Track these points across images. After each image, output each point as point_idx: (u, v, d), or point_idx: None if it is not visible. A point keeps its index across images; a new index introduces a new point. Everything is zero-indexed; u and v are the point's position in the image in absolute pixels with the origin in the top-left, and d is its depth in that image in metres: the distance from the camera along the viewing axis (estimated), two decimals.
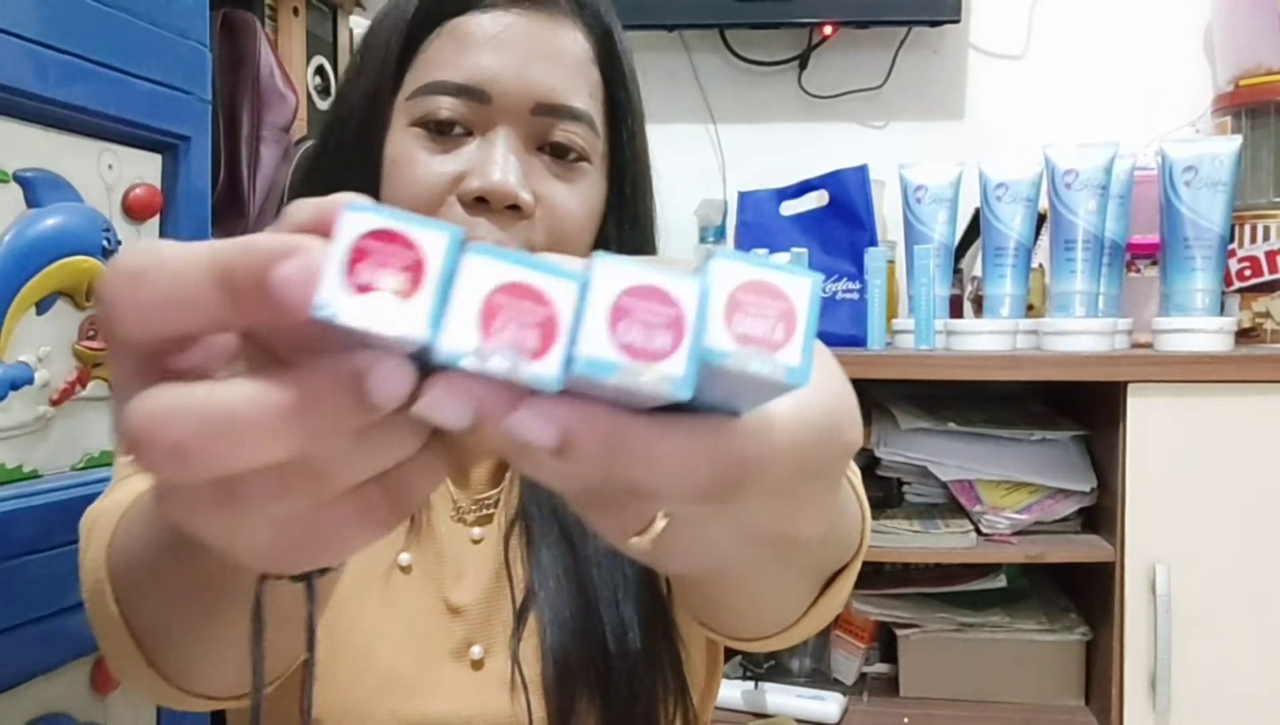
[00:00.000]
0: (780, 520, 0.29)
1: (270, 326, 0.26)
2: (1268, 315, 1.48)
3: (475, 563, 0.67)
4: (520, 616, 0.65)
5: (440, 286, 0.24)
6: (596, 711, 0.63)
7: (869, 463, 1.44)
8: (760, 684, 1.44)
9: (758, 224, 1.67)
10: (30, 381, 0.80)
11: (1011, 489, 1.40)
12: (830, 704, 1.39)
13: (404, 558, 0.66)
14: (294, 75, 1.37)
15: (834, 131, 1.84)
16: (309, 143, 1.36)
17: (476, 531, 0.68)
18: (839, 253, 1.58)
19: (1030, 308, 1.51)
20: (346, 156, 0.65)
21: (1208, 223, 1.34)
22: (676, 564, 0.31)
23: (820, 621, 0.55)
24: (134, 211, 0.90)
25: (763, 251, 1.54)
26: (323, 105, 1.47)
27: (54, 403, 0.83)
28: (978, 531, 1.37)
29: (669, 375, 0.23)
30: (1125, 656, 1.28)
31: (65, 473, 0.85)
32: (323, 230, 0.25)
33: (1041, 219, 1.47)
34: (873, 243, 1.56)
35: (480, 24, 0.63)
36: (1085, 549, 1.34)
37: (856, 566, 0.54)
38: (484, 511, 0.68)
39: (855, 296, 1.54)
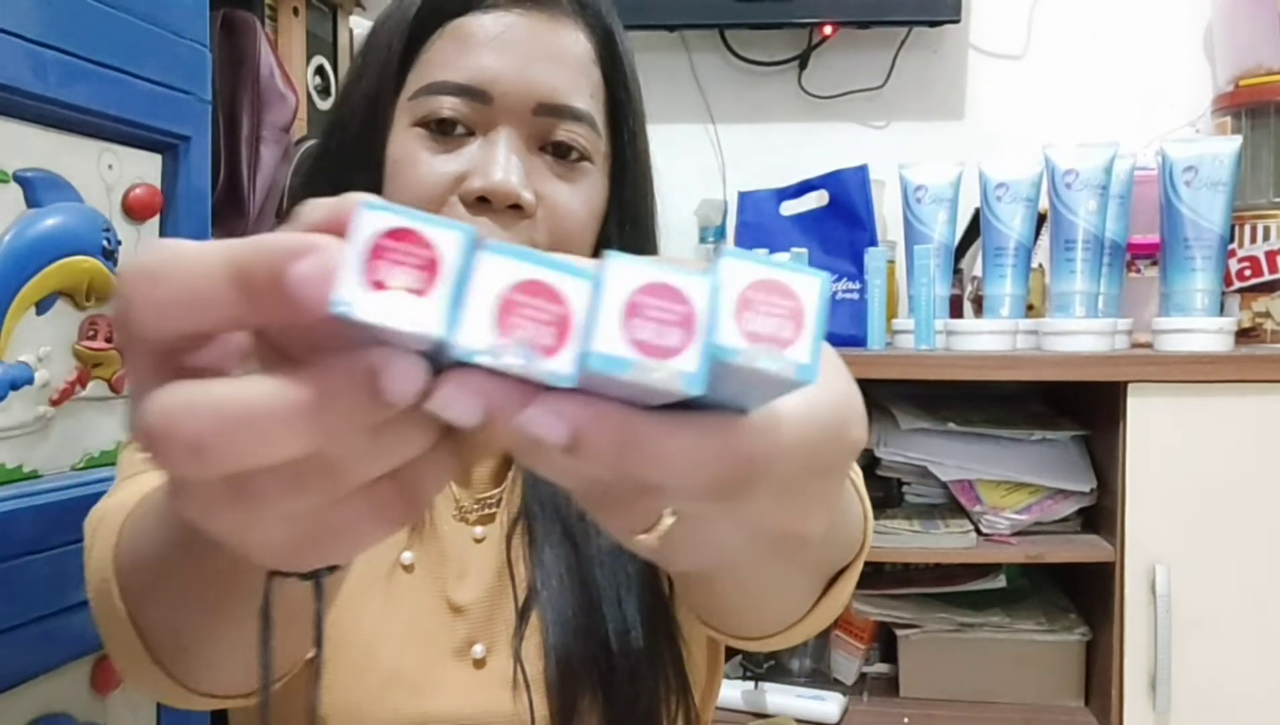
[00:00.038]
0: (787, 517, 0.30)
1: (285, 324, 0.26)
2: (1268, 315, 1.48)
3: (477, 562, 0.67)
4: (523, 615, 0.65)
5: (455, 284, 0.24)
6: (599, 710, 0.63)
7: (869, 463, 1.44)
8: (760, 684, 1.44)
9: (758, 224, 1.68)
10: (30, 381, 0.80)
11: (1011, 489, 1.40)
12: (830, 704, 1.39)
13: (406, 557, 0.66)
14: (294, 75, 1.37)
15: (834, 131, 1.84)
16: (309, 143, 1.36)
17: (479, 530, 0.68)
18: (839, 253, 1.58)
19: (1030, 308, 1.51)
20: (349, 157, 0.65)
21: (1208, 223, 1.34)
22: (684, 561, 0.31)
23: (822, 621, 0.55)
24: (134, 211, 0.90)
25: (763, 251, 1.54)
26: (323, 105, 1.47)
27: (54, 403, 0.83)
28: (978, 531, 1.37)
29: (681, 371, 0.24)
30: (1125, 657, 1.28)
31: (65, 473, 0.85)
32: (336, 229, 0.25)
33: (1041, 219, 1.47)
34: (873, 243, 1.56)
35: (482, 24, 0.63)
36: (1085, 549, 1.34)
37: (859, 566, 0.54)
38: (486, 510, 0.69)
39: (855, 296, 1.54)
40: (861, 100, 1.83)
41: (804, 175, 1.66)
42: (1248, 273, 1.49)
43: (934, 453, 1.42)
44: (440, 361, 0.25)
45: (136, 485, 0.54)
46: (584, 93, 0.65)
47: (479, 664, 0.65)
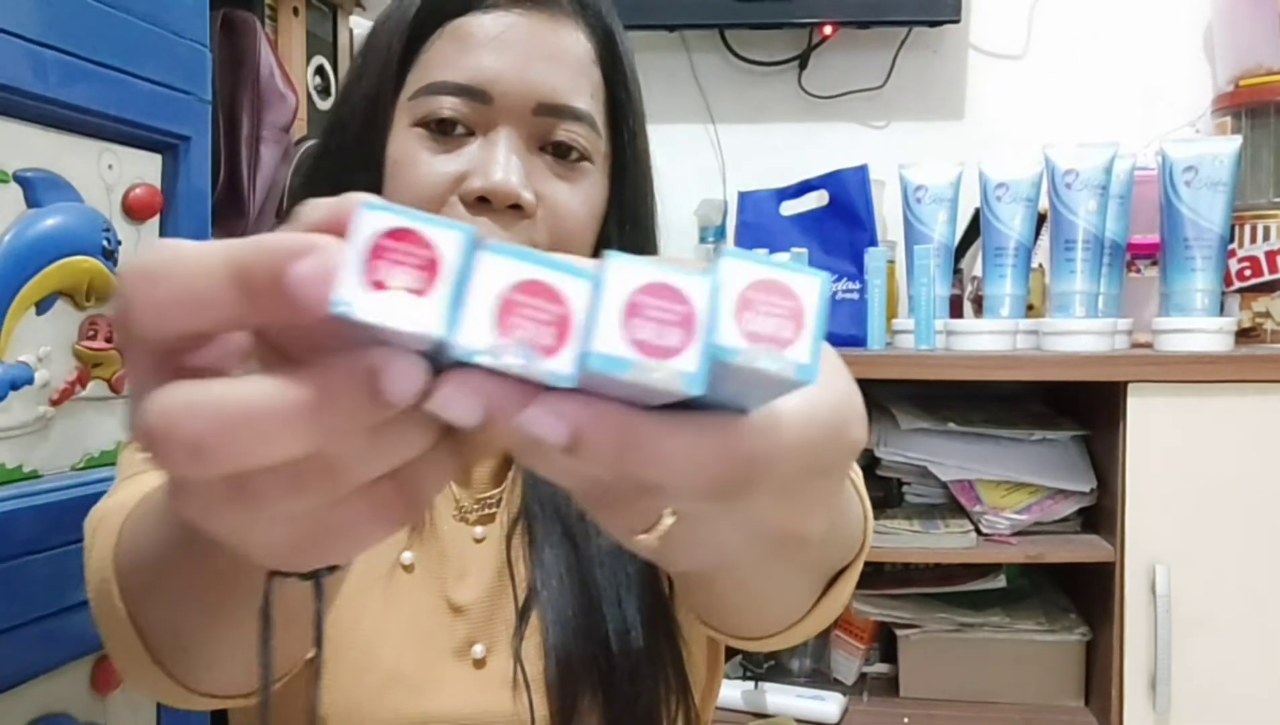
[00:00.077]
0: (787, 517, 0.30)
1: (285, 324, 0.26)
2: (1268, 315, 1.48)
3: (477, 562, 0.67)
4: (523, 615, 0.65)
5: (455, 284, 0.24)
6: (599, 710, 0.63)
7: (869, 463, 1.45)
8: (760, 684, 1.44)
9: (758, 224, 1.68)
10: (30, 381, 0.80)
11: (1011, 489, 1.40)
12: (830, 704, 1.39)
13: (406, 557, 0.66)
14: (294, 75, 1.37)
15: (834, 131, 1.84)
16: (309, 143, 1.36)
17: (479, 530, 0.68)
18: (839, 253, 1.58)
19: (1030, 308, 1.51)
20: (349, 157, 0.66)
21: (1208, 223, 1.34)
22: (684, 561, 0.31)
23: (823, 621, 0.55)
24: (134, 211, 0.90)
25: (763, 251, 1.54)
26: (323, 105, 1.47)
27: (54, 403, 0.83)
28: (978, 531, 1.37)
29: (681, 371, 0.24)
30: (1125, 657, 1.28)
31: (65, 473, 0.85)
32: (337, 229, 0.25)
33: (1041, 219, 1.47)
34: (873, 243, 1.56)
35: (482, 24, 0.63)
36: (1085, 549, 1.34)
37: (859, 566, 0.54)
38: (486, 511, 0.69)
39: (855, 296, 1.54)
40: (861, 100, 1.83)
41: (804, 175, 1.66)
42: (1248, 273, 1.49)
43: (934, 453, 1.42)
44: (440, 361, 0.25)
45: (136, 485, 0.54)
46: (584, 93, 0.65)
47: (479, 664, 0.65)
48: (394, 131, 0.64)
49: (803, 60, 1.83)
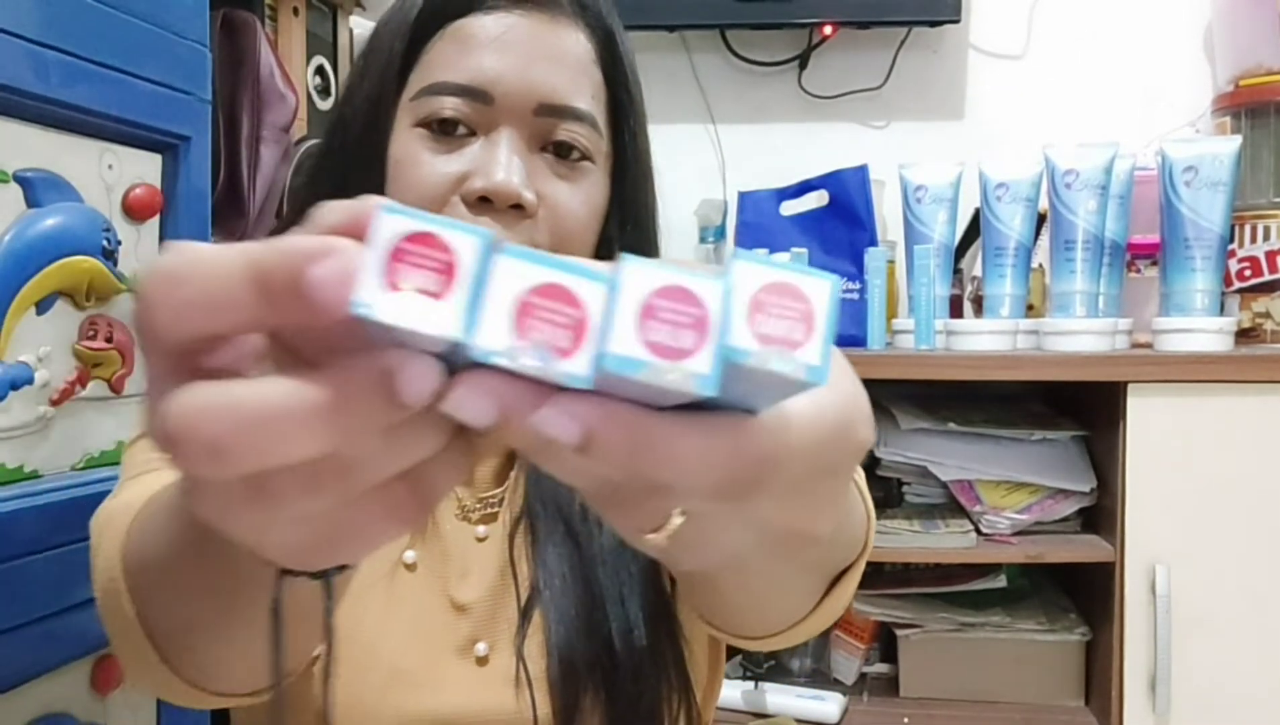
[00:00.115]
0: (795, 517, 0.30)
1: (302, 326, 0.26)
2: (1268, 315, 1.48)
3: (480, 560, 0.67)
4: (525, 614, 0.65)
5: (473, 287, 0.25)
6: (601, 709, 0.63)
7: (869, 463, 1.45)
8: (760, 684, 1.44)
9: (758, 224, 1.68)
10: (30, 381, 0.80)
11: (1011, 489, 1.40)
12: (830, 704, 1.39)
13: (409, 555, 0.66)
14: (294, 75, 1.36)
15: (834, 131, 1.84)
16: (309, 143, 1.36)
17: (481, 529, 0.68)
18: (839, 253, 1.58)
19: (1030, 308, 1.51)
20: (351, 157, 0.66)
21: (1208, 223, 1.34)
22: (692, 560, 0.31)
23: (825, 620, 0.55)
24: (134, 211, 0.90)
25: (763, 251, 1.54)
26: (323, 105, 1.47)
27: (54, 403, 0.83)
28: (978, 531, 1.37)
29: (694, 373, 0.24)
30: (1125, 657, 1.28)
31: (65, 473, 0.85)
32: (353, 232, 0.26)
33: (1041, 219, 1.47)
34: (873, 243, 1.56)
35: (483, 25, 0.64)
36: (1085, 549, 1.34)
37: (861, 566, 0.54)
38: (488, 510, 0.69)
39: (855, 296, 1.54)
40: (861, 100, 1.83)
41: (804, 175, 1.66)
42: (1248, 273, 1.49)
43: (934, 453, 1.42)
44: (453, 362, 0.26)
45: (142, 485, 0.54)
46: (585, 93, 0.65)
47: (482, 662, 0.65)
48: (396, 132, 0.64)
49: (803, 60, 1.83)
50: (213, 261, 0.26)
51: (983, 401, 1.51)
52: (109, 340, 0.87)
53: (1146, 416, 1.27)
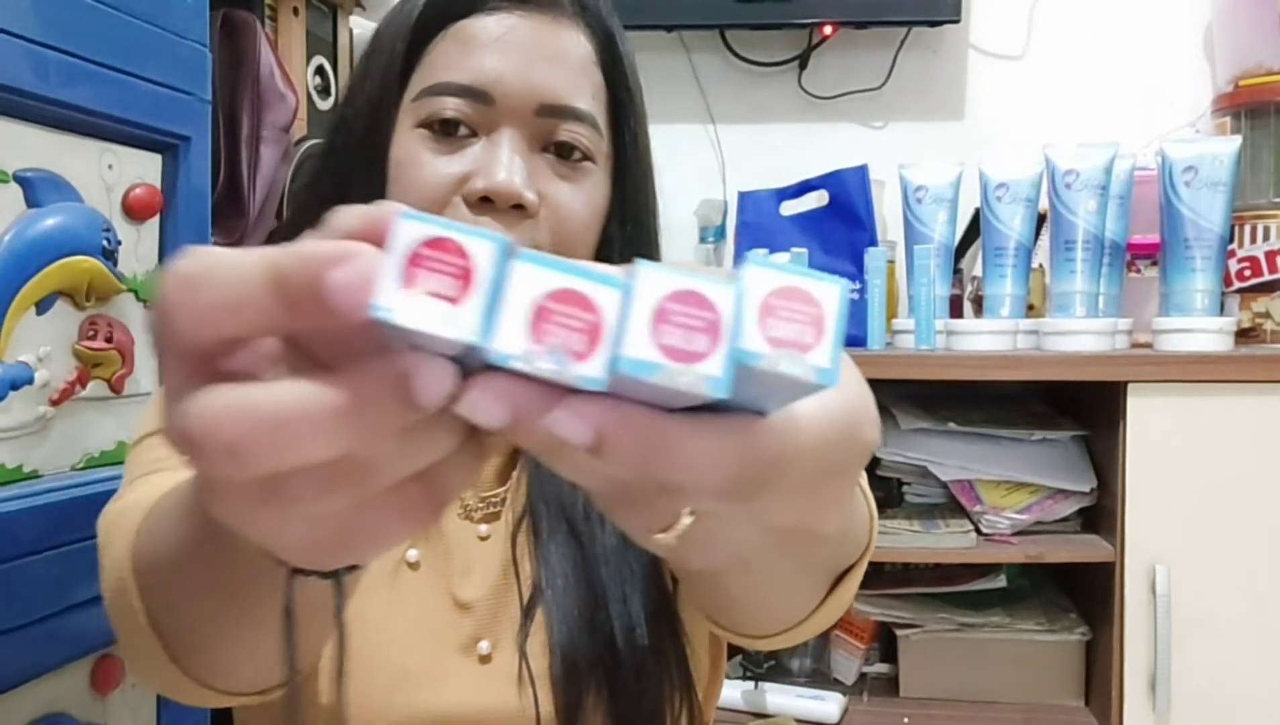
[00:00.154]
0: (803, 516, 0.31)
1: (320, 329, 0.27)
2: (1268, 315, 1.48)
3: (482, 559, 0.67)
4: (528, 612, 0.65)
5: (491, 291, 0.25)
6: (604, 706, 0.63)
7: (869, 463, 1.44)
8: (760, 684, 1.44)
9: (758, 224, 1.68)
10: (30, 381, 0.80)
11: (1011, 489, 1.40)
12: (830, 704, 1.39)
13: (412, 554, 0.66)
14: (294, 75, 1.36)
15: (834, 131, 1.84)
16: (309, 143, 1.36)
17: (483, 528, 0.68)
18: (839, 253, 1.58)
19: (1030, 308, 1.51)
20: (353, 158, 0.66)
21: (1208, 223, 1.34)
22: (701, 559, 0.32)
23: (827, 620, 0.55)
24: (134, 211, 0.90)
25: (763, 251, 1.54)
26: (323, 105, 1.47)
27: (54, 403, 0.83)
28: (978, 531, 1.37)
29: (707, 376, 0.25)
30: (1125, 656, 1.28)
31: (65, 473, 0.85)
32: (369, 237, 0.26)
33: (1041, 219, 1.47)
34: (873, 243, 1.56)
35: (484, 26, 0.64)
36: (1085, 549, 1.35)
37: (863, 566, 0.54)
38: (491, 509, 0.69)
39: (855, 296, 1.54)
40: (861, 100, 1.83)
41: (804, 175, 1.66)
42: (1248, 273, 1.49)
43: (934, 453, 1.42)
44: (466, 365, 0.26)
45: (149, 485, 0.55)
46: (585, 94, 0.65)
47: (484, 660, 0.65)
48: (397, 133, 0.65)
49: (803, 60, 1.83)
50: (232, 265, 0.27)
51: (983, 401, 1.51)
52: (109, 340, 0.87)
53: (1146, 416, 1.27)
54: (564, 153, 0.65)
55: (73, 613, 0.83)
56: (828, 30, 1.77)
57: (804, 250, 1.51)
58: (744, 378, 0.25)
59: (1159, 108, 1.75)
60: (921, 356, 1.39)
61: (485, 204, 0.62)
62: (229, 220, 1.25)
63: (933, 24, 1.75)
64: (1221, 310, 1.37)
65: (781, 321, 0.25)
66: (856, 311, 1.51)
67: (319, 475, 0.27)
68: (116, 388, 0.89)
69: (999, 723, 1.37)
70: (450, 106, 0.63)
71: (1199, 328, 1.32)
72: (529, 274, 0.25)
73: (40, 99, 0.79)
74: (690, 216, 1.79)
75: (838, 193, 1.61)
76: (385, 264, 0.25)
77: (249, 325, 0.27)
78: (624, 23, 0.70)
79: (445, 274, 0.25)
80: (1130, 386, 1.27)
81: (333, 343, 0.28)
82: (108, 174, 0.88)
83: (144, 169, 0.92)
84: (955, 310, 1.54)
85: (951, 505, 1.43)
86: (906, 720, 1.37)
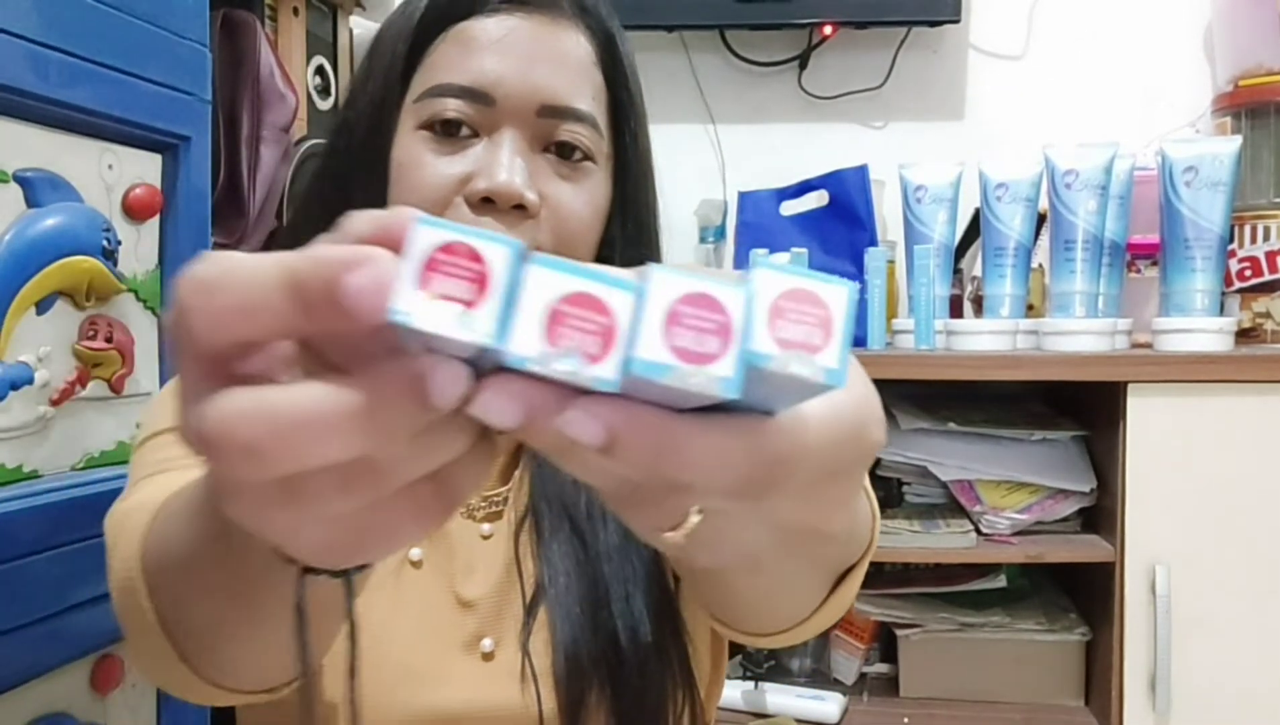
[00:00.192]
0: (810, 514, 0.31)
1: (335, 332, 0.27)
2: (1268, 315, 1.48)
3: (485, 558, 0.67)
4: (530, 610, 0.65)
5: (506, 295, 0.26)
6: (606, 704, 0.63)
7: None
8: (760, 684, 1.44)
9: (758, 224, 1.68)
10: (30, 381, 0.80)
11: (1011, 489, 1.40)
12: (830, 704, 1.39)
13: (415, 552, 0.67)
14: (294, 75, 1.36)
15: (834, 131, 1.84)
16: (309, 143, 1.36)
17: (486, 527, 0.68)
18: (839, 253, 1.58)
19: (1030, 308, 1.51)
20: (355, 159, 0.66)
21: (1208, 223, 1.34)
22: (709, 558, 0.32)
23: (830, 618, 0.55)
24: (134, 211, 0.90)
25: (763, 252, 1.54)
26: (323, 105, 1.47)
27: (54, 403, 0.83)
28: (978, 531, 1.37)
29: (718, 377, 0.25)
30: (1125, 656, 1.28)
31: (65, 473, 0.85)
32: (383, 241, 0.27)
33: (1041, 219, 1.47)
34: (873, 243, 1.56)
35: (485, 28, 0.64)
36: (1085, 549, 1.35)
37: (865, 564, 0.54)
38: (493, 508, 0.69)
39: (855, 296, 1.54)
40: (861, 100, 1.83)
41: (804, 175, 1.66)
42: (1248, 273, 1.49)
43: (934, 453, 1.42)
44: (478, 367, 0.27)
45: (156, 485, 0.55)
46: (586, 94, 0.66)
47: (488, 657, 0.65)
48: (399, 134, 0.65)
49: (803, 60, 1.83)
50: (248, 270, 0.27)
51: (983, 401, 1.51)
52: (109, 340, 0.87)
53: (1146, 416, 1.27)
54: (565, 153, 0.65)
55: (73, 613, 0.83)
56: (828, 30, 1.77)
57: (804, 250, 1.51)
58: (754, 379, 0.26)
59: (1159, 108, 1.75)
60: (921, 356, 1.39)
61: (487, 204, 0.62)
62: (229, 220, 1.25)
63: (933, 24, 1.75)
64: (1221, 310, 1.37)
65: (791, 323, 0.26)
66: (856, 311, 1.51)
67: (334, 476, 0.28)
68: (116, 388, 0.89)
69: (999, 723, 1.37)
70: (451, 107, 0.63)
71: (1199, 328, 1.32)
72: (543, 277, 0.26)
73: (40, 99, 0.79)
74: (690, 216, 1.79)
75: (838, 193, 1.61)
76: (402, 268, 0.26)
77: (265, 329, 0.27)
78: (624, 23, 0.70)
79: (460, 278, 0.26)
80: (1130, 386, 1.27)
81: (345, 346, 0.28)
82: (108, 174, 0.88)
83: (144, 169, 0.92)
84: (955, 310, 1.54)
85: (951, 505, 1.43)
86: (906, 720, 1.37)
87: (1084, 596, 1.44)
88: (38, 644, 0.81)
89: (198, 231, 0.98)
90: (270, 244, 1.28)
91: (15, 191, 0.79)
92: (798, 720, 1.38)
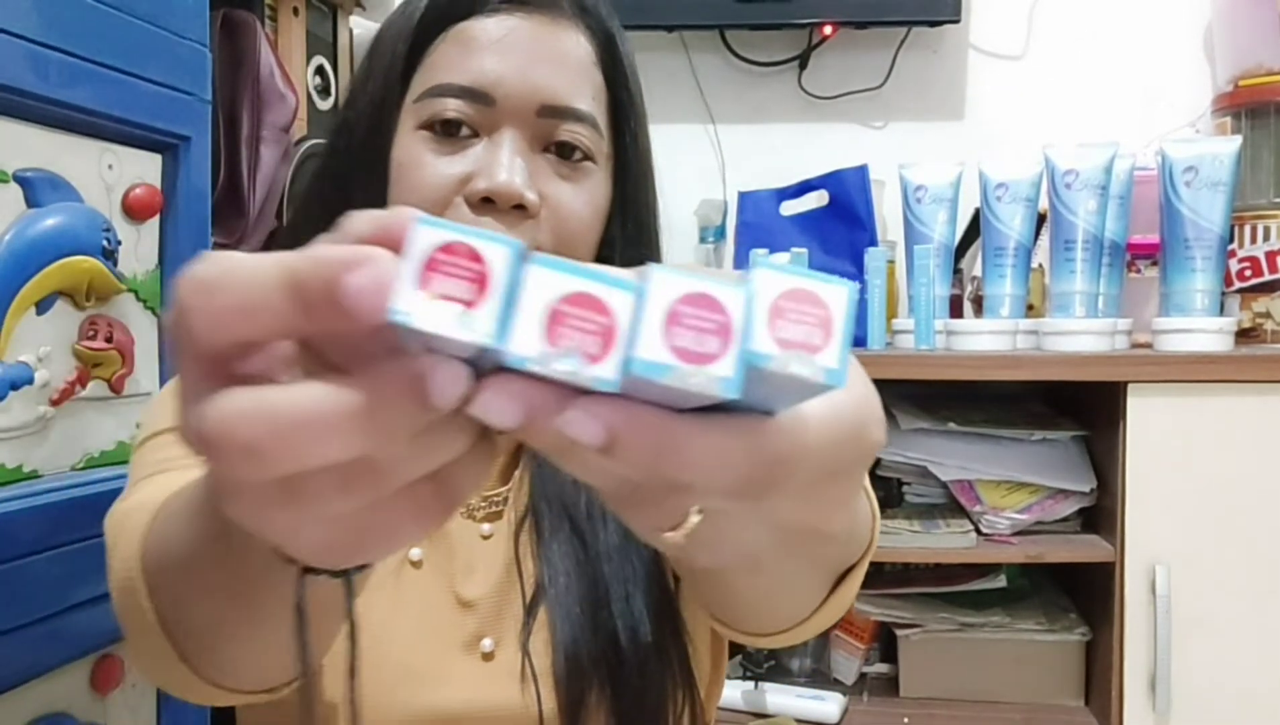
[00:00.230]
0: (810, 514, 0.31)
1: (335, 332, 0.27)
2: (1268, 315, 1.48)
3: (485, 558, 0.68)
4: (530, 610, 0.65)
5: (506, 295, 0.26)
6: (606, 704, 0.63)
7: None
8: (760, 684, 1.44)
9: (758, 224, 1.68)
10: (30, 381, 0.80)
11: (1011, 489, 1.40)
12: (830, 704, 1.39)
13: (415, 552, 0.67)
14: (294, 75, 1.36)
15: (834, 131, 1.84)
16: (309, 143, 1.36)
17: (486, 527, 0.68)
18: (839, 253, 1.58)
19: (1030, 308, 1.51)
20: (355, 159, 0.67)
21: (1208, 223, 1.34)
22: (709, 558, 0.32)
23: (830, 618, 0.55)
24: (134, 211, 0.90)
25: (763, 252, 1.54)
26: (323, 105, 1.47)
27: (54, 403, 0.83)
28: (978, 531, 1.37)
29: (718, 377, 0.25)
30: (1125, 656, 1.28)
31: (65, 473, 0.85)
32: (383, 242, 0.27)
33: (1041, 219, 1.47)
34: (873, 243, 1.56)
35: (485, 28, 0.64)
36: (1085, 549, 1.35)
37: (865, 564, 0.54)
38: (493, 508, 0.69)
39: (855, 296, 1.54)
40: (861, 100, 1.83)
41: (804, 175, 1.66)
42: (1248, 273, 1.49)
43: (934, 453, 1.42)
44: (480, 366, 0.27)
45: (156, 485, 0.55)
46: (586, 94, 0.66)
47: (488, 657, 0.65)
48: (399, 134, 0.65)
49: (803, 60, 1.83)
50: (248, 270, 0.27)
51: (983, 401, 1.51)
52: (109, 340, 0.87)
53: (1146, 416, 1.27)
54: (565, 153, 0.65)
55: (73, 613, 0.83)
56: (828, 30, 1.77)
57: (804, 250, 1.51)
58: (754, 379, 0.26)
59: (1159, 108, 1.75)
60: (921, 356, 1.39)
61: (487, 204, 0.62)
62: (229, 220, 1.25)
63: (933, 24, 1.75)
64: (1221, 310, 1.37)
65: (791, 323, 0.26)
66: (856, 311, 1.51)
67: (334, 476, 0.28)
68: (116, 388, 0.89)
69: (999, 723, 1.37)
70: (451, 107, 0.63)
71: (1199, 328, 1.32)
72: (543, 277, 0.26)
73: (40, 99, 0.79)
74: (690, 216, 1.79)
75: (838, 193, 1.61)
76: (402, 268, 0.26)
77: (265, 329, 0.27)
78: (624, 23, 0.70)
79: (461, 278, 0.26)
80: (1130, 386, 1.27)
81: (346, 346, 0.28)
82: (108, 174, 0.88)
83: (144, 169, 0.92)
84: (955, 310, 1.54)
85: (951, 505, 1.43)
86: (906, 720, 1.37)
87: (1084, 596, 1.44)
88: (38, 644, 0.81)
89: (198, 231, 0.98)
90: (270, 244, 1.28)
91: (15, 191, 0.79)
92: (798, 720, 1.38)
